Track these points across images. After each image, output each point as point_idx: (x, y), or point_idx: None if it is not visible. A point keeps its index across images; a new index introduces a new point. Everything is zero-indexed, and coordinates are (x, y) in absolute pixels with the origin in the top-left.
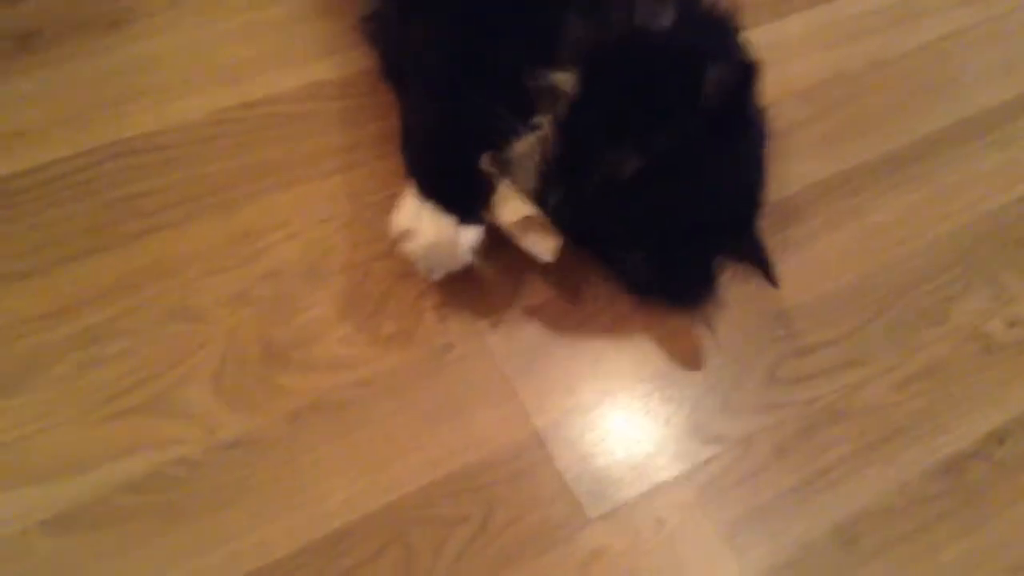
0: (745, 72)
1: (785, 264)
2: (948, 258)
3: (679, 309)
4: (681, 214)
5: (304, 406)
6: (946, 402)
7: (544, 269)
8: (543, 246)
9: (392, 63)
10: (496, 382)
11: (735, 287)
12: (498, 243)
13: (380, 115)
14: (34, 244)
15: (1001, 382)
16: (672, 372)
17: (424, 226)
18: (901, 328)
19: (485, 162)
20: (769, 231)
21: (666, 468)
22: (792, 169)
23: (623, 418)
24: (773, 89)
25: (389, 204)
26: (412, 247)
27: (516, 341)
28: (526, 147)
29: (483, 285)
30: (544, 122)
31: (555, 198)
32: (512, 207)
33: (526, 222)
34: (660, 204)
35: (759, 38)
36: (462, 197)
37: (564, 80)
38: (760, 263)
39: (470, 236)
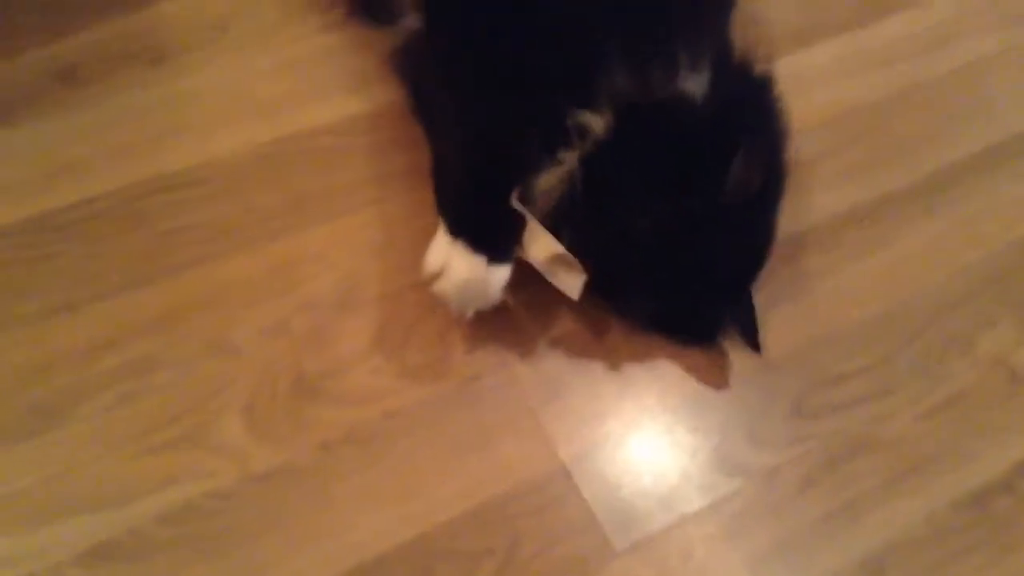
0: (775, 174)
1: (811, 294)
2: (975, 287)
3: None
4: (685, 274)
5: (334, 438)
6: (972, 433)
7: (570, 300)
8: (571, 284)
9: (422, 99)
10: (523, 413)
11: (762, 318)
12: (525, 274)
13: (410, 147)
14: (78, 278)
15: None
16: (698, 403)
17: (455, 265)
18: (927, 358)
19: (514, 198)
20: (795, 261)
21: (692, 500)
22: (818, 198)
23: (649, 449)
24: (799, 118)
25: (419, 235)
26: (444, 286)
27: (542, 372)
28: (549, 182)
29: (510, 316)
30: (568, 158)
31: (568, 236)
32: (542, 244)
33: (555, 259)
34: (667, 263)
35: (785, 67)
36: (493, 236)
37: (596, 122)
38: (747, 327)
39: (501, 274)
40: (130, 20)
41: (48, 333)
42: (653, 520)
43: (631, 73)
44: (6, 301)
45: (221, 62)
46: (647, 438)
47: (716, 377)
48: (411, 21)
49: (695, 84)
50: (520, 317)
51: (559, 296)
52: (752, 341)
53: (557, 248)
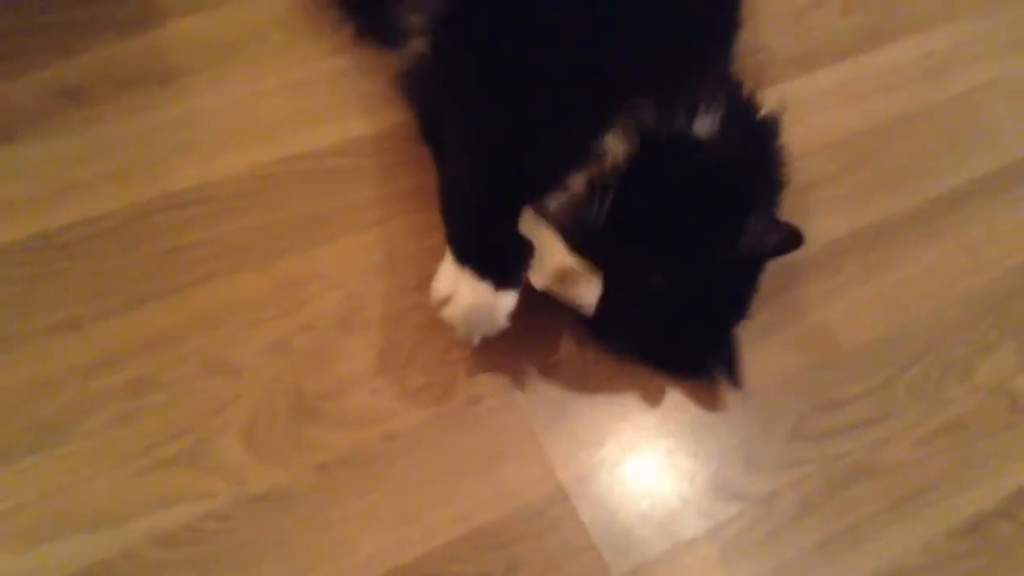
0: (789, 240)
1: (811, 318)
2: (975, 313)
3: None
4: (682, 318)
5: (334, 459)
6: (971, 459)
7: (571, 323)
8: (587, 298)
9: (430, 123)
10: (523, 436)
11: (760, 342)
12: (528, 299)
13: (415, 169)
14: (82, 296)
15: None
16: (697, 428)
17: (463, 291)
18: (927, 383)
19: (526, 216)
20: (795, 285)
21: (691, 525)
22: (820, 222)
23: (648, 474)
24: (801, 143)
25: (423, 256)
26: (451, 312)
27: (543, 395)
28: (557, 205)
29: (512, 338)
30: (576, 182)
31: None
32: (556, 255)
33: (570, 271)
34: (668, 308)
35: (787, 92)
36: (500, 262)
37: (616, 147)
38: (730, 363)
39: (508, 301)
40: (137, 41)
41: (50, 351)
42: (651, 545)
43: (655, 104)
44: (9, 318)
45: (227, 83)
46: (646, 463)
47: (715, 402)
48: (419, 44)
49: (711, 121)
50: (522, 339)
51: (561, 320)
52: (734, 376)
53: (571, 259)
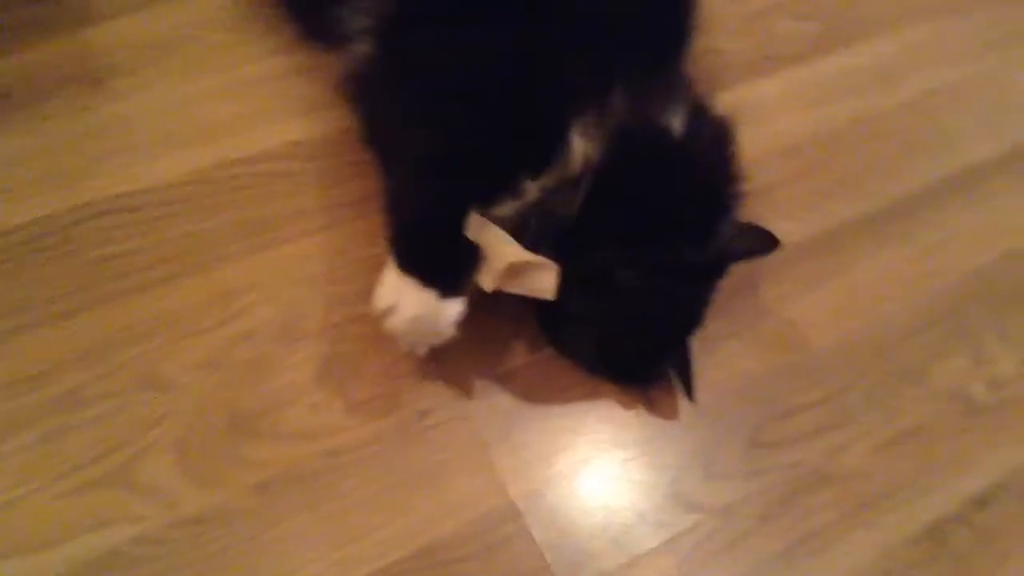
0: (763, 243)
1: (766, 325)
2: (930, 318)
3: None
4: (642, 322)
5: (272, 477)
6: (928, 465)
7: (523, 332)
8: (544, 285)
9: (374, 127)
10: (473, 450)
11: (715, 350)
12: (478, 308)
13: (358, 175)
14: (8, 308)
15: (982, 445)
16: (653, 439)
17: (406, 301)
18: (883, 389)
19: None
20: (750, 291)
21: (647, 538)
22: (774, 227)
23: (603, 486)
24: (755, 148)
25: (366, 265)
26: (394, 323)
27: (494, 407)
28: (508, 211)
29: (461, 349)
30: (531, 188)
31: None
32: (507, 252)
33: (522, 266)
34: (630, 310)
35: (741, 96)
36: (444, 270)
37: (588, 147)
38: (683, 376)
39: (454, 310)
40: (68, 41)
41: None
42: (606, 560)
43: (626, 100)
44: None
45: (163, 85)
46: (600, 475)
47: (671, 412)
48: (363, 46)
49: (679, 120)
50: (471, 350)
51: (512, 330)
52: (688, 386)
53: (523, 254)
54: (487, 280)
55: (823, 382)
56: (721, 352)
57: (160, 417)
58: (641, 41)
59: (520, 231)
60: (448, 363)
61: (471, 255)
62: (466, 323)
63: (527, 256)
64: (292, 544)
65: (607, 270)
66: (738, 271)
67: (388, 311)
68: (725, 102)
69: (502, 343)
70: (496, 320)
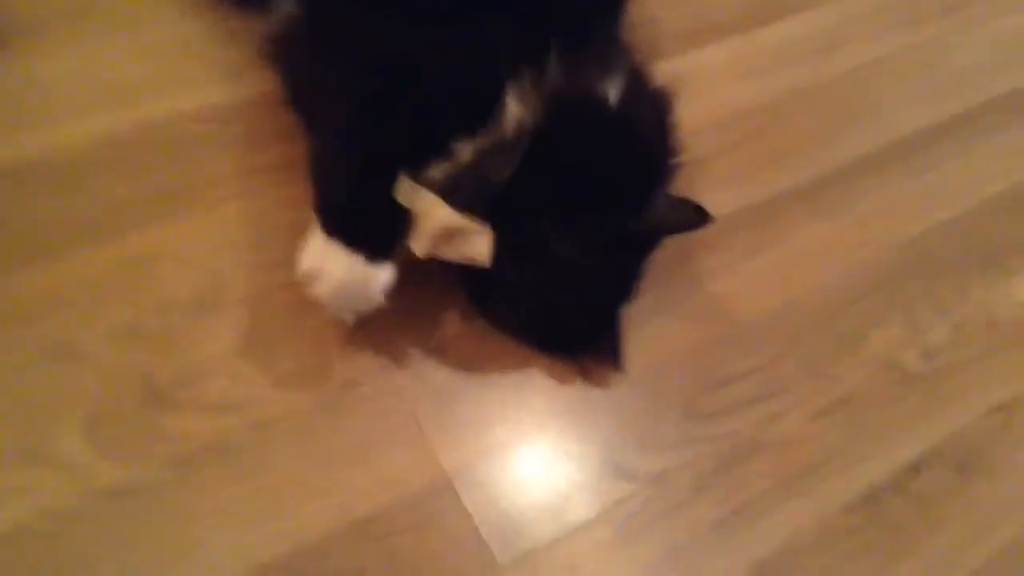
0: (695, 218)
1: (702, 295)
2: (865, 286)
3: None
4: (573, 291)
5: (192, 451)
6: (862, 433)
7: (456, 300)
8: (478, 249)
9: (298, 88)
10: (404, 422)
11: (650, 320)
12: (409, 276)
13: (281, 139)
14: None
15: (915, 413)
16: (587, 409)
17: (331, 266)
18: (817, 358)
19: (400, 186)
20: (686, 262)
21: (581, 509)
22: (711, 197)
23: (537, 458)
24: (692, 118)
25: (290, 231)
26: (320, 289)
27: (426, 378)
28: (439, 173)
29: (392, 317)
30: (466, 149)
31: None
32: (439, 215)
33: (455, 230)
34: (561, 278)
35: (677, 67)
36: (372, 233)
37: (521, 111)
38: (612, 344)
39: (382, 275)
40: None
41: None
42: (540, 531)
43: (563, 64)
44: None
45: (75, 45)
46: (535, 446)
47: (605, 383)
48: (286, 5)
49: (616, 88)
50: (402, 319)
51: (445, 298)
52: (616, 358)
53: (456, 219)
54: (419, 245)
55: (759, 352)
56: (656, 323)
57: (73, 388)
58: (578, 7)
59: (452, 194)
60: (378, 334)
61: (401, 219)
62: (397, 293)
63: (461, 220)
64: (212, 519)
65: (541, 238)
66: (674, 242)
67: (313, 276)
68: (663, 72)
69: (434, 313)
70: (428, 290)
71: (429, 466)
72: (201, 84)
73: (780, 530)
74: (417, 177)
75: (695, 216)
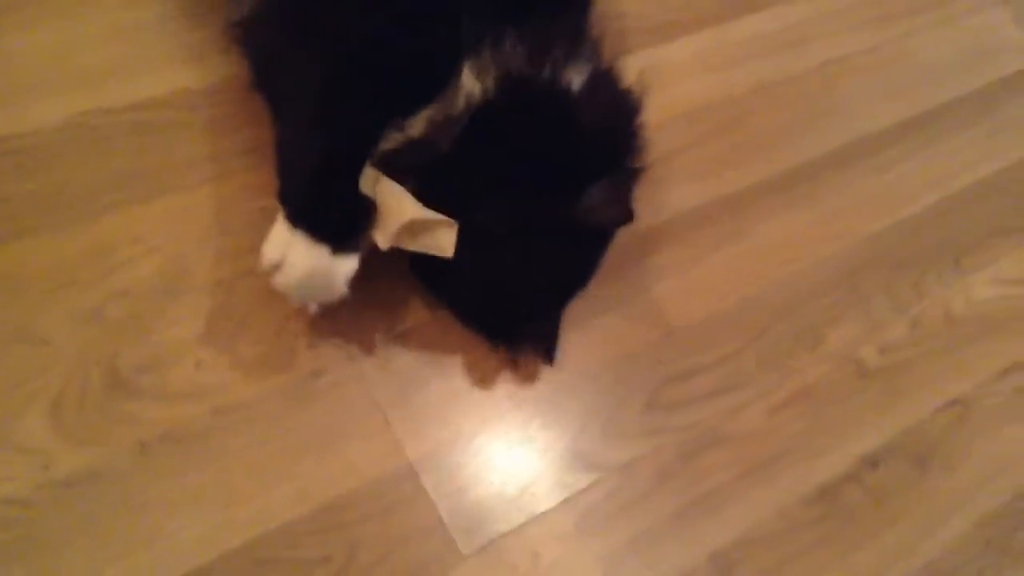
0: (620, 216)
1: (667, 287)
2: (826, 282)
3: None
4: (510, 278)
5: (154, 437)
6: (821, 426)
7: (419, 292)
8: (442, 242)
9: (265, 74)
10: (368, 410)
11: (614, 312)
12: (373, 266)
13: (249, 124)
14: None
15: (873, 407)
16: (551, 399)
17: (295, 256)
18: (778, 352)
19: (365, 177)
20: (652, 254)
21: (545, 498)
22: (676, 191)
23: (501, 447)
24: (659, 112)
25: (256, 218)
26: (283, 280)
27: (390, 367)
28: (390, 144)
29: (357, 307)
30: (418, 123)
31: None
32: (404, 208)
33: (420, 223)
34: (499, 262)
35: (645, 61)
36: (336, 224)
37: (472, 84)
38: (548, 341)
39: (346, 266)
40: None
41: None
42: (503, 520)
43: (523, 46)
44: None
45: (44, 26)
46: (499, 436)
47: (570, 373)
48: None
49: (579, 77)
50: (367, 308)
51: (409, 287)
52: (550, 351)
53: (422, 211)
54: (382, 237)
55: (721, 344)
56: (619, 314)
57: (33, 374)
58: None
59: (400, 165)
60: (342, 322)
61: (366, 210)
62: (361, 281)
63: (426, 213)
64: (174, 505)
65: (474, 217)
66: (637, 236)
67: (276, 266)
68: (631, 66)
69: (399, 302)
70: (393, 279)
71: (393, 454)
72: (170, 68)
73: (740, 520)
74: (378, 159)
75: (619, 215)
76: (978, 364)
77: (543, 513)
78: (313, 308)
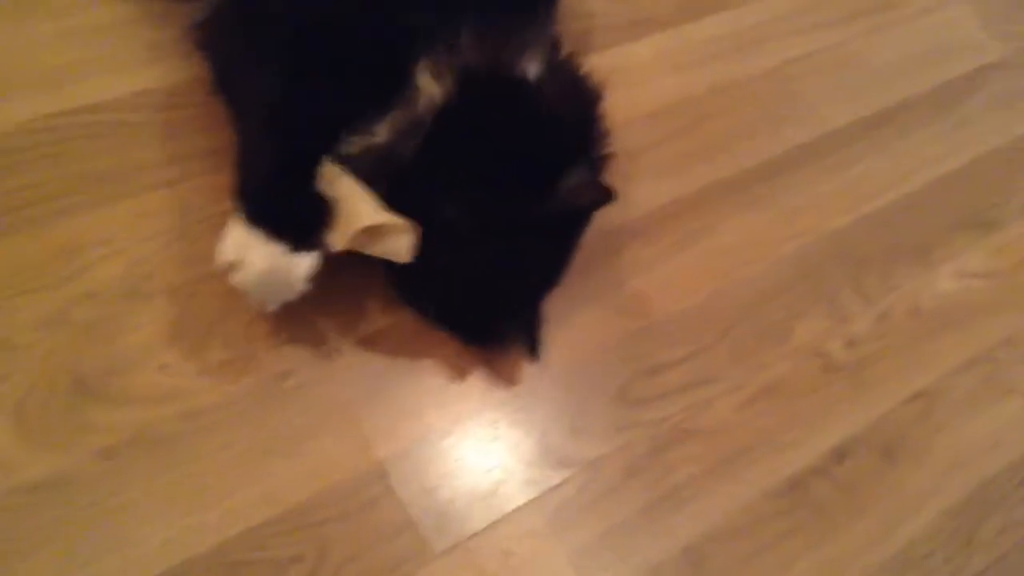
0: (601, 196)
1: (633, 284)
2: (791, 278)
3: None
4: (484, 275)
5: (121, 442)
6: (789, 420)
7: (387, 292)
8: (400, 247)
9: (225, 74)
10: (337, 411)
11: (582, 309)
12: (338, 264)
13: (210, 126)
14: None
15: (840, 400)
16: (521, 397)
17: (253, 256)
18: (745, 347)
19: (324, 176)
20: (617, 252)
21: (515, 496)
22: (640, 190)
23: (470, 446)
24: (622, 111)
25: (220, 221)
26: (241, 279)
27: (358, 368)
28: (354, 150)
29: (324, 307)
30: (382, 127)
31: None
32: (361, 212)
33: (376, 228)
34: (470, 260)
35: (611, 60)
36: (293, 222)
37: (430, 85)
38: (531, 337)
39: (304, 264)
40: None
41: None
42: (474, 519)
43: (479, 42)
44: None
45: (3, 28)
46: (468, 434)
47: (539, 370)
48: None
49: (536, 67)
50: (335, 308)
51: (377, 286)
52: (533, 349)
53: (379, 215)
54: (337, 239)
55: (688, 341)
56: (587, 312)
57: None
58: None
59: (367, 172)
60: (310, 323)
61: (324, 207)
62: (328, 282)
63: (383, 218)
64: (141, 510)
65: (445, 218)
66: (602, 233)
67: (234, 266)
68: (596, 65)
69: (366, 303)
70: (361, 278)
71: (363, 454)
72: (130, 69)
73: (710, 514)
74: (337, 160)
75: (601, 195)
76: (943, 356)
77: (514, 511)
78: (272, 307)
